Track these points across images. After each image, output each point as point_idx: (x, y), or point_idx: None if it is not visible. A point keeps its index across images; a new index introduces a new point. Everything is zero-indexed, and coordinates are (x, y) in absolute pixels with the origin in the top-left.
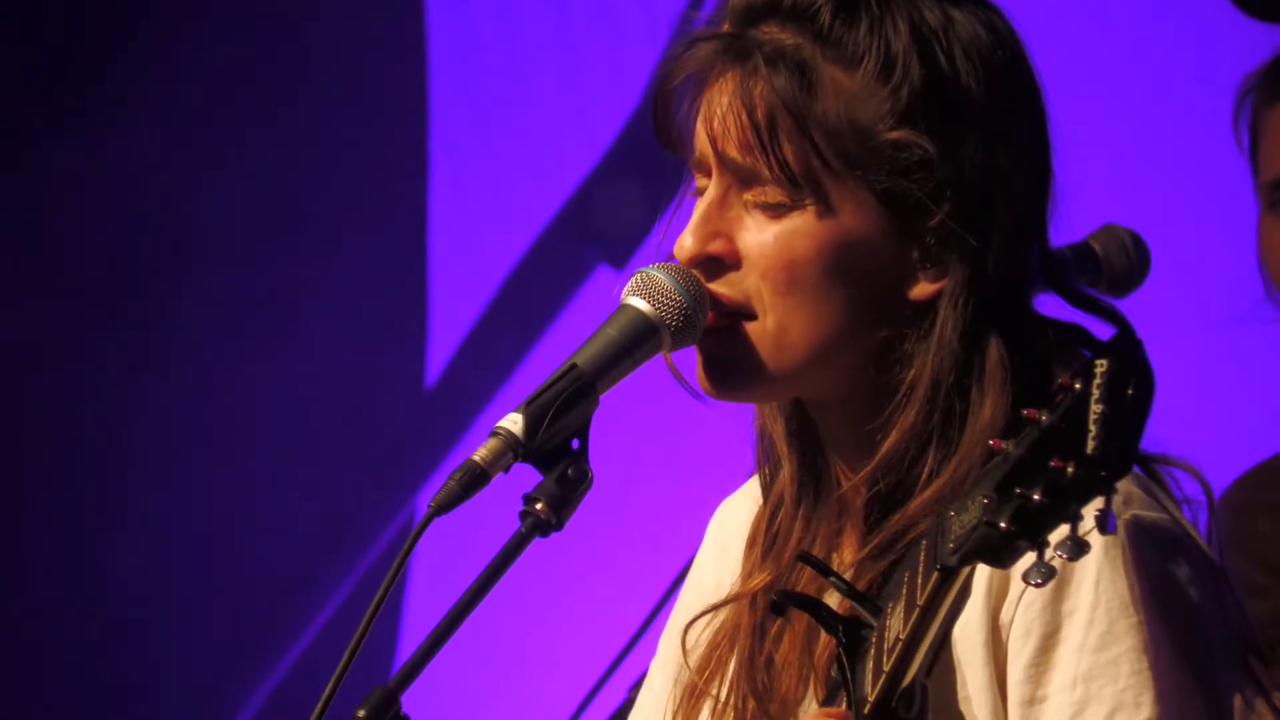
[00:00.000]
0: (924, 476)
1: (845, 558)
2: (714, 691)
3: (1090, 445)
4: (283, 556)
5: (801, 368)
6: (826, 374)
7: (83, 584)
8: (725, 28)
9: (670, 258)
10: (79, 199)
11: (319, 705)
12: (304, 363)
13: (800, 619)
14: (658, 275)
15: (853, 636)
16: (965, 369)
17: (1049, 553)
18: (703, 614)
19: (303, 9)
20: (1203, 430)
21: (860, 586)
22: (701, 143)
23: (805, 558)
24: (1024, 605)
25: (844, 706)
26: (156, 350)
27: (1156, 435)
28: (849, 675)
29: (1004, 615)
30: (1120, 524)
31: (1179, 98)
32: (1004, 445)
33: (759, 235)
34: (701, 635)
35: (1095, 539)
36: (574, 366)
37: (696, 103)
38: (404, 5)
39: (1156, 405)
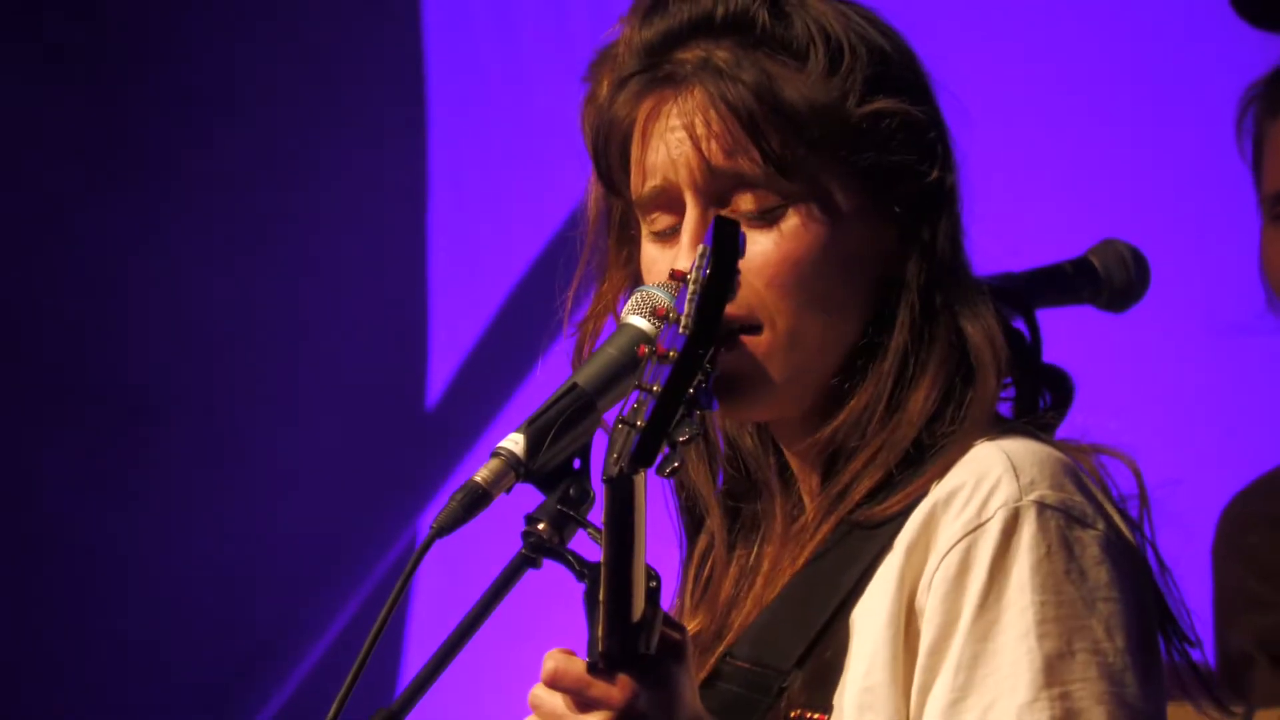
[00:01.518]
0: (869, 442)
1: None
2: None
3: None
4: (285, 578)
5: (813, 368)
6: (824, 370)
7: (81, 601)
8: (627, 63)
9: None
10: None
11: None
12: (305, 382)
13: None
14: (657, 294)
15: (593, 579)
16: (919, 341)
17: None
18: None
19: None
20: (1204, 440)
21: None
22: (668, 169)
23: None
24: (932, 591)
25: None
26: (155, 387)
27: (1160, 445)
28: (592, 618)
29: (919, 600)
30: (1023, 506)
31: (1181, 108)
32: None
33: (755, 245)
34: None
35: (994, 524)
36: (575, 386)
37: (648, 136)
38: (400, 13)
39: (1160, 414)
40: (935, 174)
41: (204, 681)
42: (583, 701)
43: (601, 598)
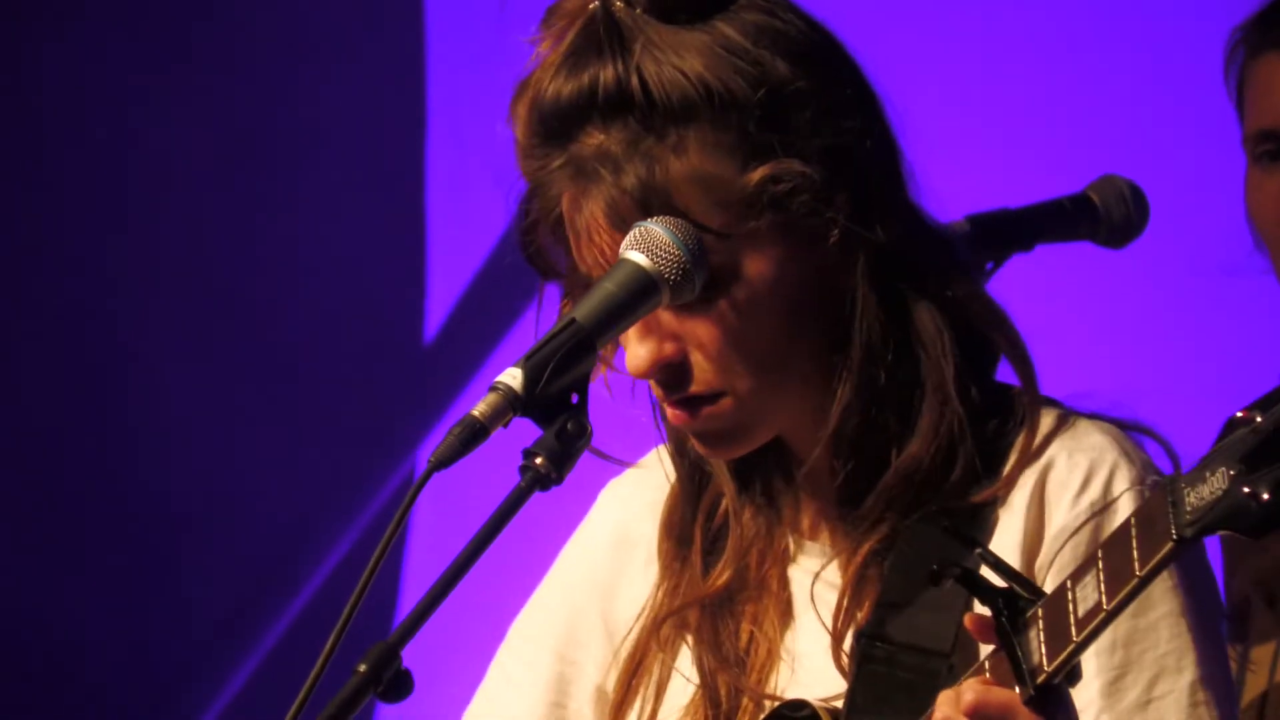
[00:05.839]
0: (893, 447)
1: (818, 538)
2: (662, 671)
3: None
4: (283, 513)
5: (785, 408)
6: (799, 391)
7: (81, 530)
8: (532, 127)
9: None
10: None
11: (320, 660)
12: (302, 319)
13: (769, 602)
14: (656, 230)
15: (1011, 609)
16: (902, 337)
17: None
18: (671, 614)
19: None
20: (1192, 382)
21: (858, 561)
22: (595, 268)
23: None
24: (1056, 570)
25: (989, 676)
26: (150, 335)
27: (1147, 387)
28: (1015, 646)
29: (1037, 577)
30: (1146, 489)
31: (1173, 48)
32: (1255, 417)
33: (697, 331)
34: (619, 628)
35: (1125, 505)
36: (573, 321)
37: (573, 228)
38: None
39: (1149, 353)
40: (842, 213)
41: (204, 616)
42: None
43: (1079, 637)
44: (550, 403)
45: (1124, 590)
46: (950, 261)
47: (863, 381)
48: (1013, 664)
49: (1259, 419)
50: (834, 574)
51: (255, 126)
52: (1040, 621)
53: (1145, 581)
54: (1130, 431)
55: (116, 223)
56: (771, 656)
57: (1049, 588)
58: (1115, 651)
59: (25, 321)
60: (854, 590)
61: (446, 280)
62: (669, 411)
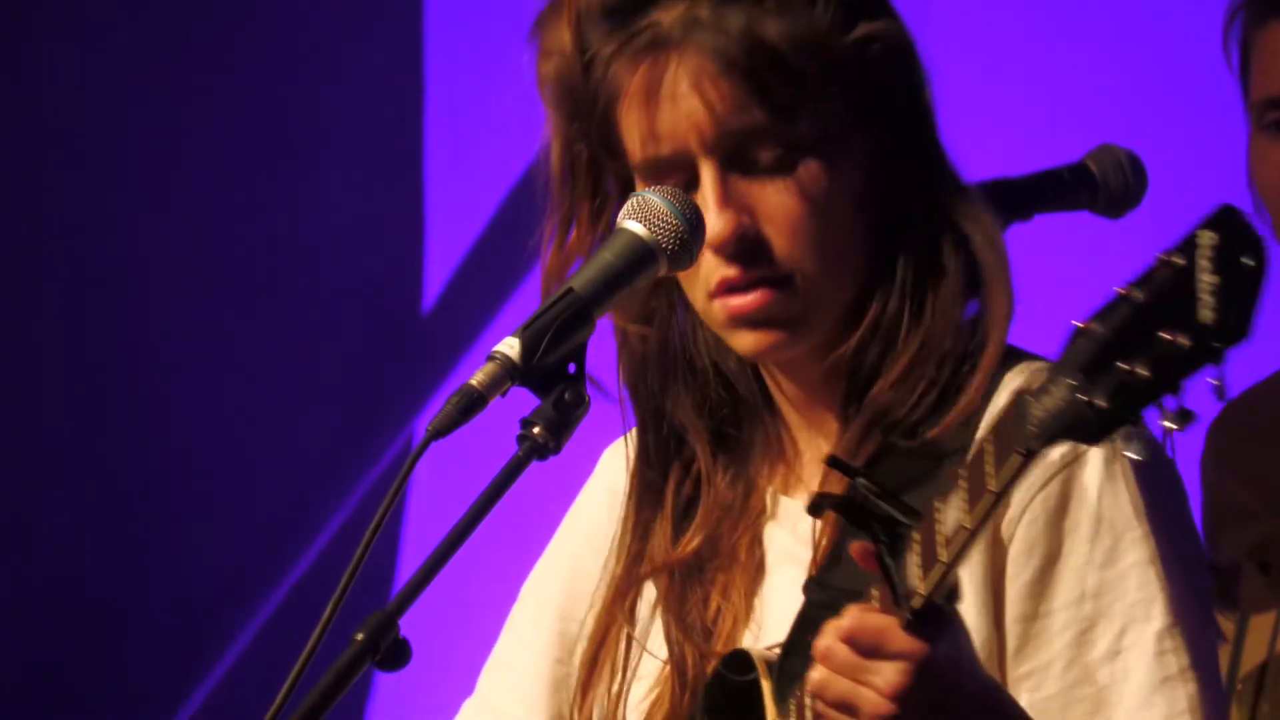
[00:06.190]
0: (897, 357)
1: (795, 492)
2: (642, 638)
3: (1205, 314)
4: (281, 481)
5: (836, 304)
6: (846, 298)
7: (90, 481)
8: (595, 25)
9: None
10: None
11: (317, 629)
12: (300, 287)
13: (738, 568)
14: (653, 199)
15: (890, 534)
16: (927, 248)
17: (1167, 424)
18: (638, 582)
19: None
20: None
21: (830, 514)
22: (678, 135)
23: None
24: (1025, 522)
25: (872, 602)
26: (148, 307)
27: None
28: (892, 571)
29: (1004, 531)
30: (1117, 439)
31: (1169, 16)
32: (1091, 325)
33: (778, 199)
34: (602, 591)
35: (1094, 455)
36: (570, 291)
37: (650, 103)
38: None
39: None
40: (921, 91)
41: (202, 584)
42: (881, 654)
43: (947, 557)
44: (548, 372)
45: (982, 507)
46: (967, 193)
47: (896, 300)
48: (890, 588)
49: (1097, 328)
50: (807, 530)
51: (257, 100)
52: (916, 545)
53: (999, 497)
54: None
55: (116, 196)
56: (737, 625)
57: (1020, 542)
58: (1084, 603)
59: (25, 285)
60: (826, 541)
61: (444, 251)
62: (730, 303)
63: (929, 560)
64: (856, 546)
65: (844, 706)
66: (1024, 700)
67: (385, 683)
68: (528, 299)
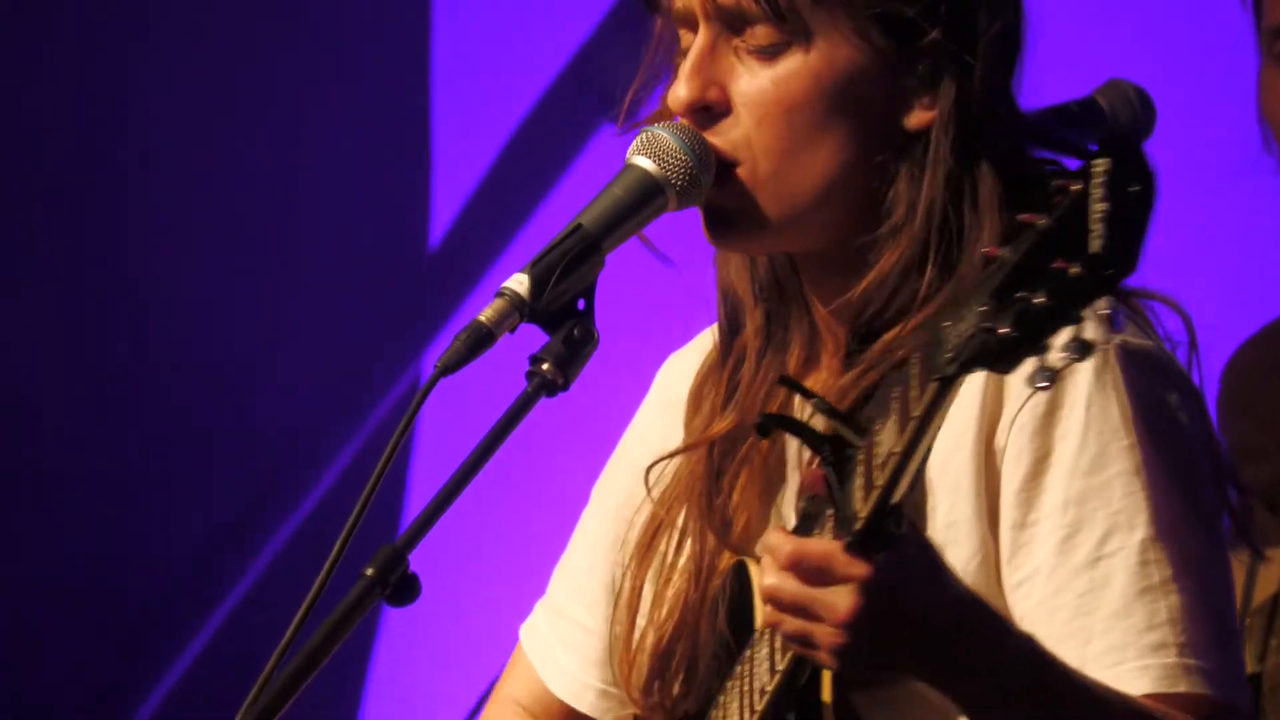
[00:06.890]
0: (920, 299)
1: (822, 387)
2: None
3: (1095, 243)
4: (290, 416)
5: (806, 213)
6: (828, 215)
7: (83, 429)
8: None
9: (658, 118)
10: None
11: (327, 564)
12: (307, 227)
13: (758, 466)
14: (663, 135)
15: (838, 456)
16: (959, 193)
17: (1054, 356)
18: (665, 458)
19: None
20: (1202, 287)
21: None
22: None
23: (785, 380)
24: (1016, 429)
25: (828, 527)
26: (156, 244)
27: (1153, 281)
28: (836, 494)
29: (998, 439)
30: (1109, 349)
31: None
32: (1000, 252)
33: (754, 81)
34: (655, 483)
35: (1085, 365)
36: (579, 227)
37: None
38: None
39: (1156, 255)
40: (984, 20)
41: (211, 520)
42: (827, 579)
43: (881, 482)
44: (557, 308)
45: (908, 432)
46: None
47: (919, 236)
48: (834, 511)
49: (1007, 255)
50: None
51: (266, 29)
52: (860, 467)
53: (923, 421)
54: (1142, 299)
55: (118, 145)
56: (750, 527)
57: (1011, 448)
58: (1068, 509)
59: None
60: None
61: (451, 187)
62: None
63: (869, 484)
64: (806, 471)
65: (800, 640)
66: (1018, 611)
67: (394, 618)
68: (536, 235)
